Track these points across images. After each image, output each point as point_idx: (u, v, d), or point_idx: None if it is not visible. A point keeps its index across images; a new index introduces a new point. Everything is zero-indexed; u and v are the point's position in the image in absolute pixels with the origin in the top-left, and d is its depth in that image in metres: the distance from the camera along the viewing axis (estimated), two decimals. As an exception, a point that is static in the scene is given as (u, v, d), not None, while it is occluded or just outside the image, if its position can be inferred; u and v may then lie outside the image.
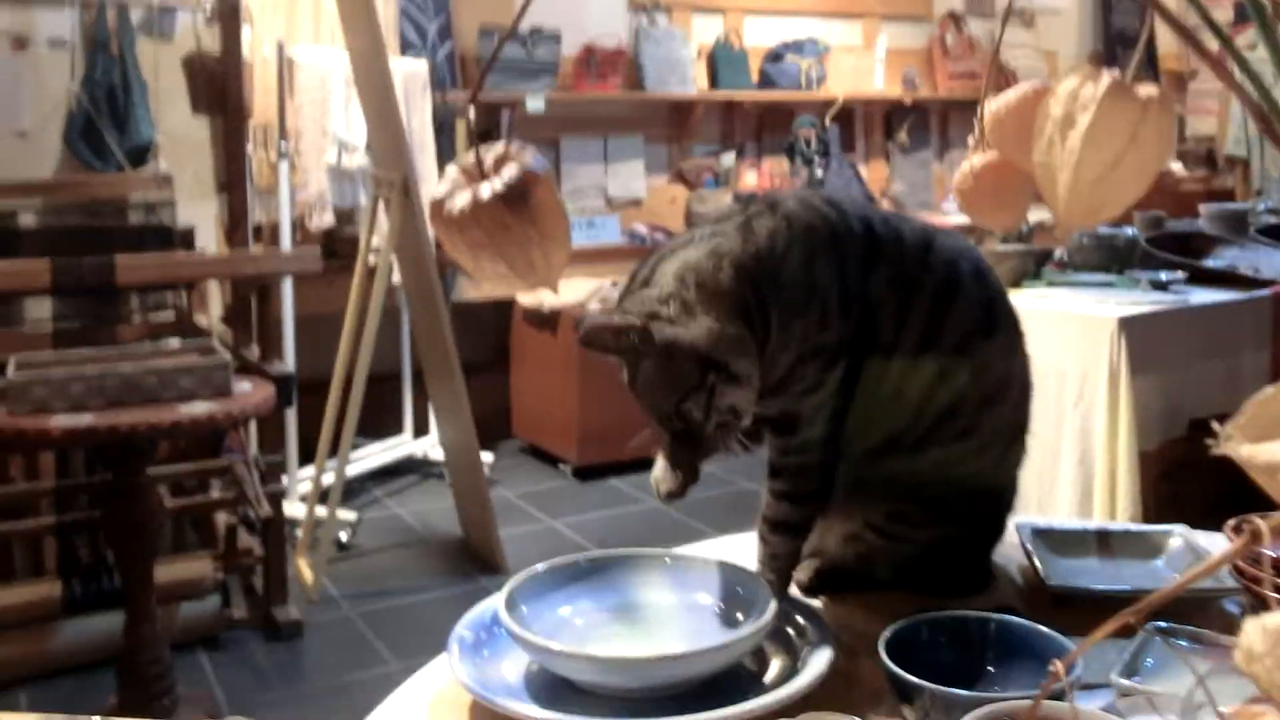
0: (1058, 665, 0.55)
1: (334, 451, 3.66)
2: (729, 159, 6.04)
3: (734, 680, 0.97)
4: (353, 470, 4.33)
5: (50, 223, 3.43)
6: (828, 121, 6.19)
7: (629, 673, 0.95)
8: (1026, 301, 3.09)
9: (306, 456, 4.09)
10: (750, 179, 6.05)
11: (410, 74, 4.55)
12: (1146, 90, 0.47)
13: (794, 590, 1.15)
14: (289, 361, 4.01)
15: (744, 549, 1.18)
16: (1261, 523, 0.42)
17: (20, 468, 3.24)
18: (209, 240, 4.41)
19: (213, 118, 3.80)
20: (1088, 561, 1.23)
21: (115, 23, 4.31)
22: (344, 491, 3.79)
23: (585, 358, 4.61)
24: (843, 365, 1.07)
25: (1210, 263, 3.42)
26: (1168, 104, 0.47)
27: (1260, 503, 0.38)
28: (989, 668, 0.95)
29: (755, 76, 6.02)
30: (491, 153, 0.59)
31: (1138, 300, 3.06)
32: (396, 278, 4.11)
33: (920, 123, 6.68)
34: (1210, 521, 1.25)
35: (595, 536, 4.10)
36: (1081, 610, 1.10)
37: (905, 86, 6.49)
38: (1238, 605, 1.11)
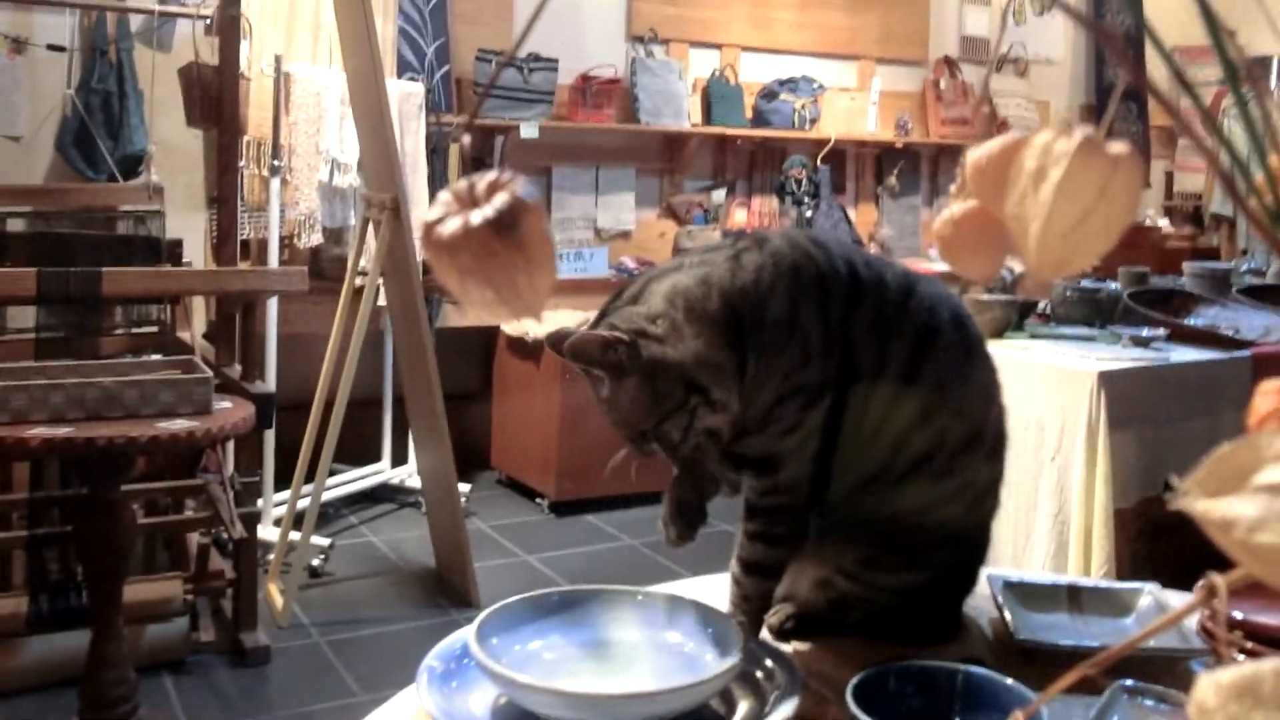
0: (1018, 716, 0.55)
1: (311, 476, 3.64)
2: (719, 195, 6.06)
3: (700, 722, 0.97)
4: (329, 495, 4.31)
5: (38, 229, 3.42)
6: (819, 162, 6.22)
7: (597, 709, 0.94)
8: (1008, 352, 3.11)
9: (282, 478, 4.07)
10: (740, 216, 6.08)
11: (406, 95, 4.57)
12: (1117, 147, 0.48)
13: (765, 634, 1.15)
14: (270, 381, 4.00)
15: (717, 590, 1.18)
16: (1219, 578, 0.42)
17: (-6, 478, 3.22)
18: (196, 253, 4.41)
19: (206, 131, 3.80)
20: (1058, 616, 1.24)
21: (114, 30, 4.32)
22: (319, 517, 3.77)
23: (568, 391, 4.61)
24: (822, 406, 1.08)
25: (1192, 321, 3.44)
26: (1136, 161, 0.48)
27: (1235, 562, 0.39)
28: (955, 719, 0.95)
29: (749, 113, 6.05)
30: (484, 180, 0.61)
31: (1119, 356, 3.08)
32: (382, 300, 4.10)
33: (911, 167, 6.72)
34: (1185, 581, 1.25)
35: (570, 573, 4.08)
36: (1049, 665, 1.10)
37: (898, 130, 6.53)
38: (1204, 667, 1.11)
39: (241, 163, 3.87)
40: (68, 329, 3.32)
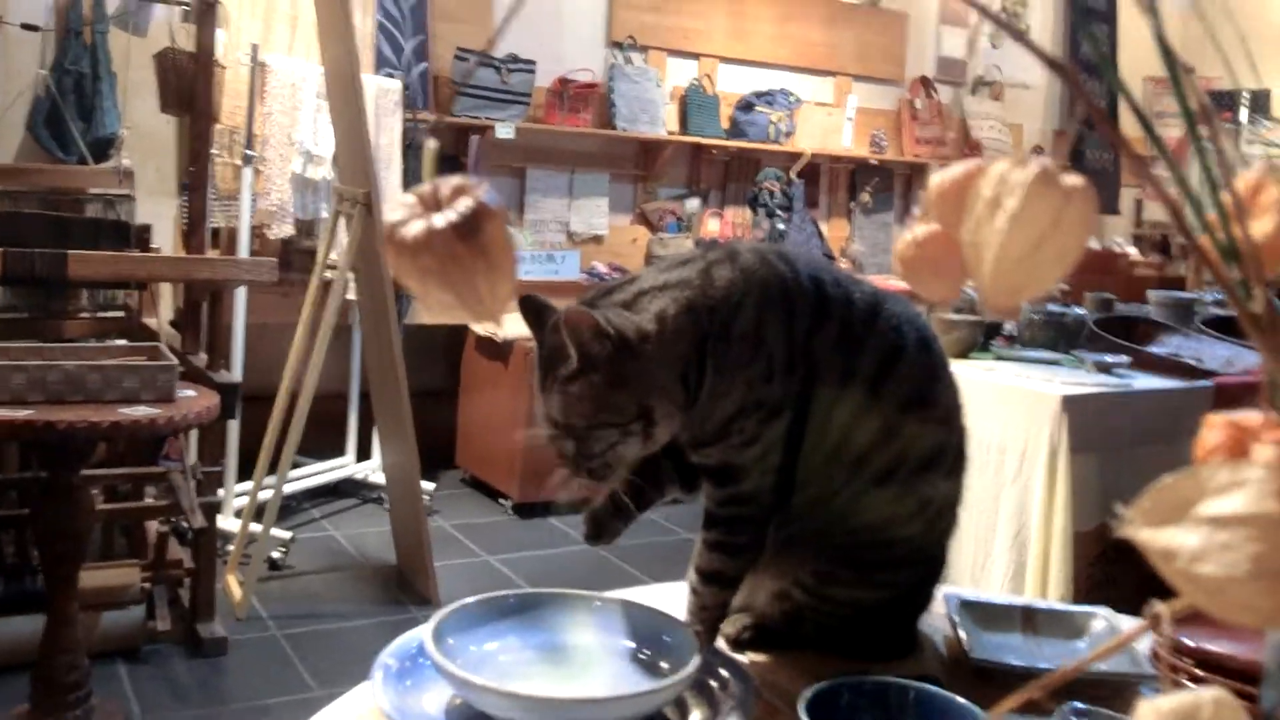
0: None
1: (274, 467, 3.62)
2: (693, 204, 6.08)
3: (654, 729, 0.97)
4: (291, 488, 4.28)
5: (5, 208, 3.39)
6: (793, 175, 6.25)
7: (550, 713, 0.95)
8: (972, 373, 3.13)
9: (245, 469, 4.05)
10: (713, 226, 6.10)
11: (383, 91, 4.56)
12: (1072, 180, 0.49)
13: (721, 643, 1.16)
14: (236, 371, 3.97)
15: (675, 598, 1.18)
16: (1163, 607, 0.43)
17: (-49, 460, 3.19)
18: (165, 239, 4.38)
19: (180, 117, 3.78)
20: (1011, 637, 1.25)
21: (90, 11, 4.29)
22: (280, 509, 3.75)
23: (533, 392, 4.60)
24: (784, 420, 1.09)
25: (1155, 349, 3.48)
26: (1090, 194, 0.49)
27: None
28: (906, 735, 0.96)
29: (725, 124, 6.08)
30: (448, 183, 0.61)
31: (1082, 381, 3.11)
32: (352, 294, 4.09)
33: (884, 184, 6.77)
34: (1142, 605, 1.27)
35: (531, 575, 4.08)
36: (1002, 685, 1.11)
37: (872, 147, 6.58)
38: (1155, 692, 1.12)
39: (214, 150, 3.84)
40: (31, 310, 3.30)
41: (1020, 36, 0.54)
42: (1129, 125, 7.14)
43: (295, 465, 4.12)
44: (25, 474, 3.19)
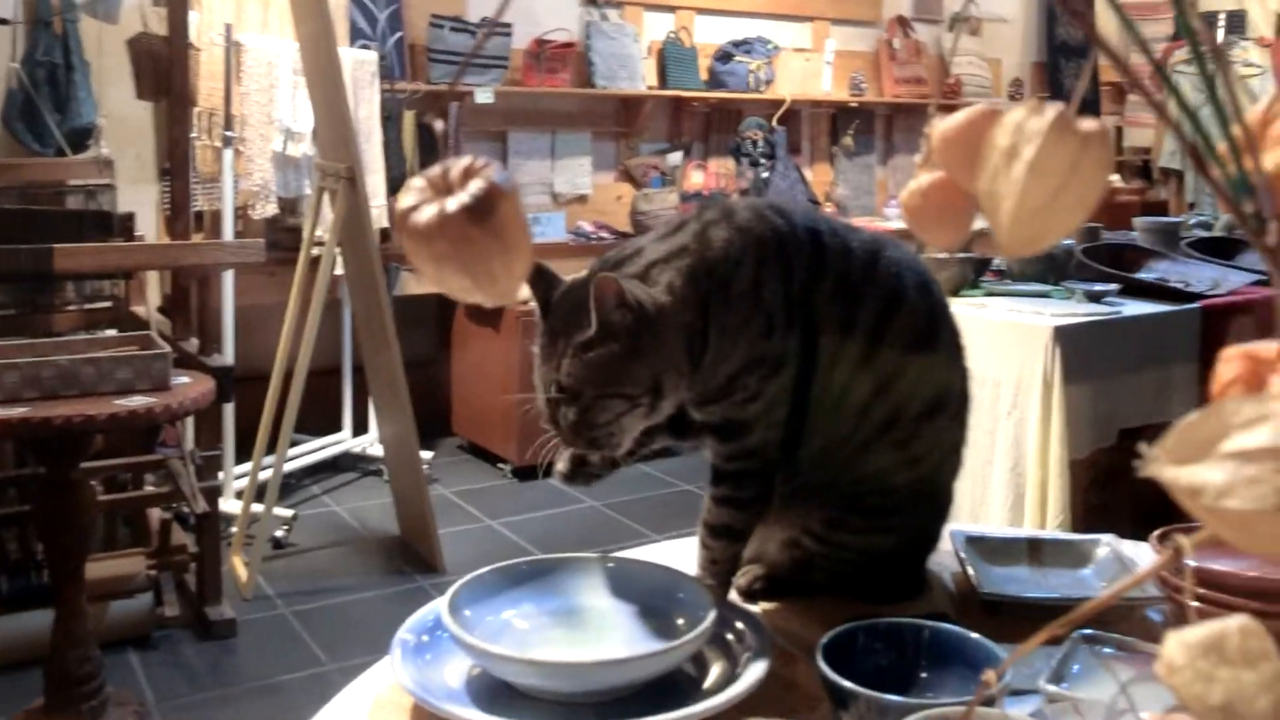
0: (990, 675, 0.56)
1: (272, 447, 3.62)
2: (676, 158, 6.06)
3: (674, 685, 0.98)
4: (290, 466, 4.29)
5: (-16, 205, 3.36)
6: (775, 123, 6.22)
7: (570, 677, 0.96)
8: (965, 310, 3.14)
9: (243, 450, 4.05)
10: (697, 178, 6.07)
11: (359, 63, 4.52)
12: (1088, 124, 0.49)
13: (733, 595, 1.17)
14: (228, 354, 3.97)
15: (684, 553, 1.19)
16: (1184, 539, 0.44)
17: (-51, 460, 3.18)
18: (149, 226, 4.36)
19: (156, 102, 3.74)
20: (1018, 570, 1.26)
21: (59, 1, 4.23)
22: (281, 488, 3.76)
23: (527, 355, 4.60)
24: (786, 374, 1.09)
25: (1143, 275, 3.49)
26: (1106, 138, 0.49)
27: (1185, 512, 0.40)
28: (922, 673, 0.97)
29: (704, 75, 6.04)
30: (458, 165, 0.61)
31: (1073, 311, 3.12)
32: (340, 269, 4.07)
33: (866, 127, 6.74)
34: (1137, 530, 1.28)
35: (534, 537, 4.10)
36: (1011, 617, 1.13)
37: (853, 90, 6.54)
38: (1160, 614, 1.14)
39: (193, 134, 3.81)
40: (19, 307, 3.28)
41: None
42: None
43: (293, 443, 4.12)
44: (23, 470, 3.19)
